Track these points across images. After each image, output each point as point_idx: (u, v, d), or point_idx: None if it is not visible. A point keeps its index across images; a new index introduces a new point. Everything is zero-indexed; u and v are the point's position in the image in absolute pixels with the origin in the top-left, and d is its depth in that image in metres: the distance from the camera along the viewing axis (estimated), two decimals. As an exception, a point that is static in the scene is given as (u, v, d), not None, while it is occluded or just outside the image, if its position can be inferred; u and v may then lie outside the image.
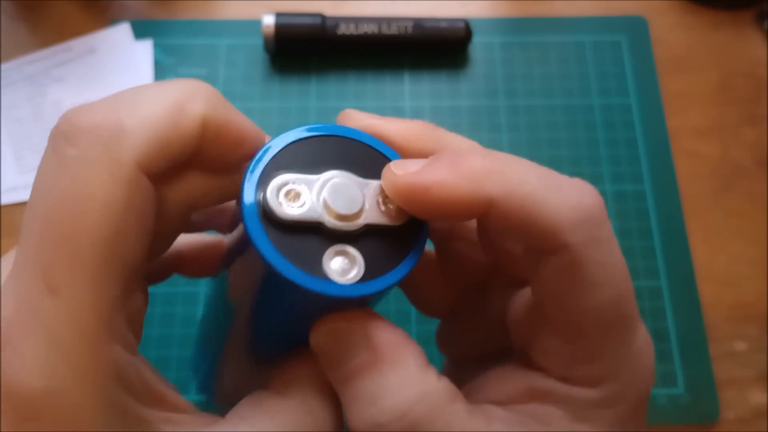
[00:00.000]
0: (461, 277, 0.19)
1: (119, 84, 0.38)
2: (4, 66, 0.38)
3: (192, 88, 0.14)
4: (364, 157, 0.16)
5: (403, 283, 0.18)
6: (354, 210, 0.15)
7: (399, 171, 0.15)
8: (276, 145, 0.15)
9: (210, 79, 0.38)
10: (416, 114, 0.37)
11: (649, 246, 0.34)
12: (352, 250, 0.15)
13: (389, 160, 0.16)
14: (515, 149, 0.36)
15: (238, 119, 0.15)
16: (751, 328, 0.33)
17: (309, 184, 0.15)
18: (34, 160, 0.36)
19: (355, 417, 0.14)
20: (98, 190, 0.12)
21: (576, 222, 0.14)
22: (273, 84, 0.38)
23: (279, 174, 0.15)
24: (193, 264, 0.21)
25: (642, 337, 0.16)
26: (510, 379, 0.16)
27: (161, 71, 0.38)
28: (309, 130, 0.16)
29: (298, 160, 0.15)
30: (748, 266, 0.34)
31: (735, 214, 0.35)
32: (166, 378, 0.16)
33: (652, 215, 0.35)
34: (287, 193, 0.14)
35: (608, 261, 0.14)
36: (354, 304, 0.15)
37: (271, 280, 0.14)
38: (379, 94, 0.38)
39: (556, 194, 0.14)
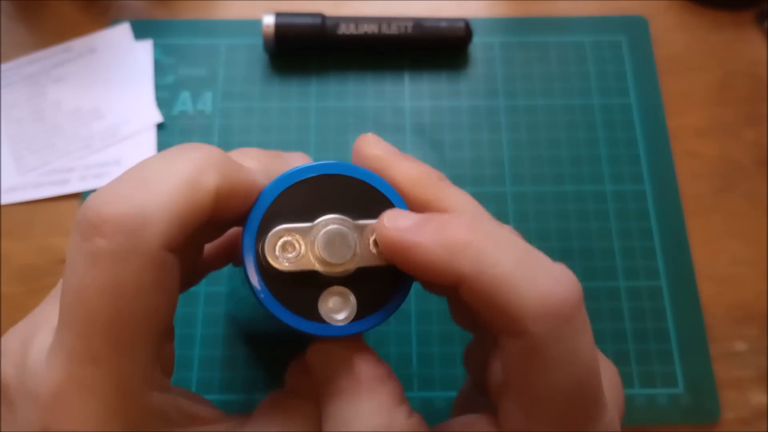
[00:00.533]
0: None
1: (119, 84, 0.38)
2: (4, 66, 0.38)
3: (202, 160, 0.15)
4: (362, 196, 0.16)
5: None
6: (346, 259, 0.15)
7: (389, 224, 0.16)
8: (274, 190, 0.16)
9: (210, 79, 0.38)
10: (416, 114, 0.37)
11: (649, 246, 0.34)
12: (345, 291, 0.16)
13: (387, 199, 0.17)
14: (515, 149, 0.36)
15: (246, 176, 0.16)
16: (751, 328, 0.33)
17: (304, 234, 0.15)
18: (33, 160, 0.36)
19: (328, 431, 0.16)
20: (129, 279, 0.14)
21: (541, 314, 0.14)
22: (273, 84, 0.38)
23: (275, 224, 0.15)
24: (216, 262, 0.23)
25: (606, 426, 0.16)
26: (476, 430, 0.17)
27: (161, 71, 0.38)
28: (307, 170, 0.16)
29: (295, 204, 0.16)
30: (748, 266, 0.34)
31: (735, 214, 0.35)
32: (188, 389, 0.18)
33: (652, 215, 0.35)
34: (283, 246, 0.15)
35: (569, 355, 0.15)
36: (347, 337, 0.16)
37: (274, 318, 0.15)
38: (379, 94, 0.38)
39: (528, 282, 0.14)
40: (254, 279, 0.15)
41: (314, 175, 0.16)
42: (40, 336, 0.15)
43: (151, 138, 0.36)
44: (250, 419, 0.18)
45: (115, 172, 0.35)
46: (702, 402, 0.31)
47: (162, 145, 0.36)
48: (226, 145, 0.36)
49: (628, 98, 0.38)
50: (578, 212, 0.35)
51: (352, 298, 0.16)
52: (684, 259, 0.34)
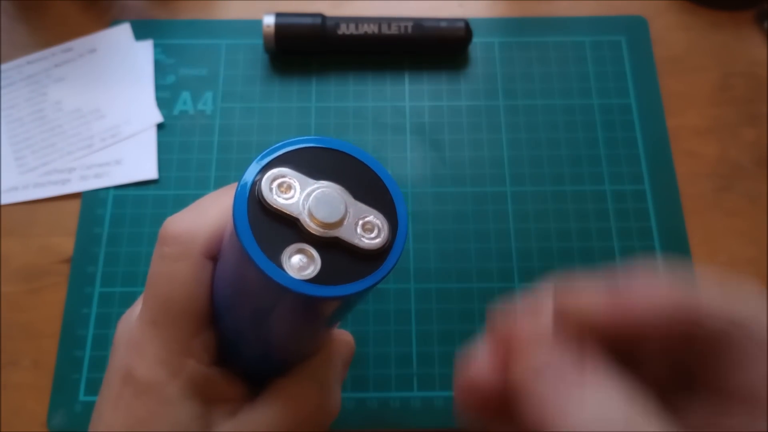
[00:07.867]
0: None
1: (119, 84, 0.38)
2: (4, 66, 0.38)
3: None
4: (367, 182, 0.17)
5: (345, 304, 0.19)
6: (331, 220, 0.16)
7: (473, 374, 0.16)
8: (291, 144, 0.17)
9: (210, 79, 0.38)
10: (416, 114, 0.37)
11: (649, 246, 0.34)
12: (314, 253, 0.16)
13: (388, 192, 0.17)
14: (515, 149, 0.36)
15: None
16: (750, 327, 0.33)
17: (303, 184, 0.16)
18: (34, 160, 0.36)
19: None
20: (180, 273, 0.20)
21: None
22: (273, 84, 0.38)
23: (283, 167, 0.16)
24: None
25: None
26: None
27: (161, 71, 0.38)
28: (327, 142, 0.17)
29: (306, 164, 0.16)
30: (748, 266, 0.34)
31: (735, 214, 0.35)
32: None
33: (652, 215, 0.35)
34: (280, 185, 0.16)
35: None
36: (292, 304, 0.17)
37: (238, 251, 0.16)
38: (379, 94, 0.38)
39: None
40: (239, 204, 0.15)
41: (334, 148, 0.17)
42: (136, 309, 0.21)
43: (151, 138, 0.36)
44: (256, 401, 0.21)
45: (116, 172, 0.35)
46: (702, 401, 0.31)
47: (162, 145, 0.36)
48: (227, 145, 0.36)
49: (627, 98, 0.38)
50: (578, 212, 0.35)
51: (318, 262, 0.16)
52: (684, 259, 0.34)
